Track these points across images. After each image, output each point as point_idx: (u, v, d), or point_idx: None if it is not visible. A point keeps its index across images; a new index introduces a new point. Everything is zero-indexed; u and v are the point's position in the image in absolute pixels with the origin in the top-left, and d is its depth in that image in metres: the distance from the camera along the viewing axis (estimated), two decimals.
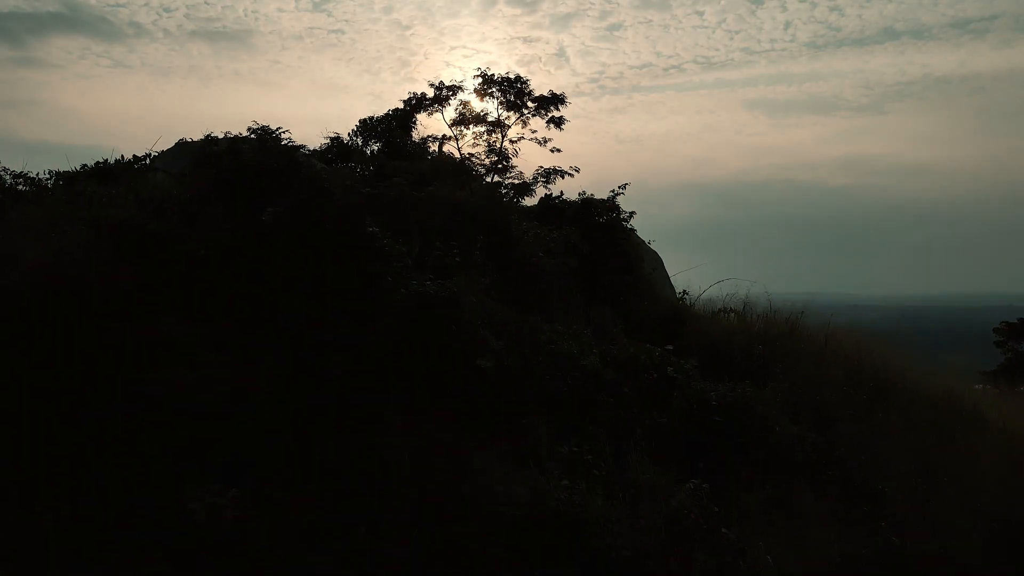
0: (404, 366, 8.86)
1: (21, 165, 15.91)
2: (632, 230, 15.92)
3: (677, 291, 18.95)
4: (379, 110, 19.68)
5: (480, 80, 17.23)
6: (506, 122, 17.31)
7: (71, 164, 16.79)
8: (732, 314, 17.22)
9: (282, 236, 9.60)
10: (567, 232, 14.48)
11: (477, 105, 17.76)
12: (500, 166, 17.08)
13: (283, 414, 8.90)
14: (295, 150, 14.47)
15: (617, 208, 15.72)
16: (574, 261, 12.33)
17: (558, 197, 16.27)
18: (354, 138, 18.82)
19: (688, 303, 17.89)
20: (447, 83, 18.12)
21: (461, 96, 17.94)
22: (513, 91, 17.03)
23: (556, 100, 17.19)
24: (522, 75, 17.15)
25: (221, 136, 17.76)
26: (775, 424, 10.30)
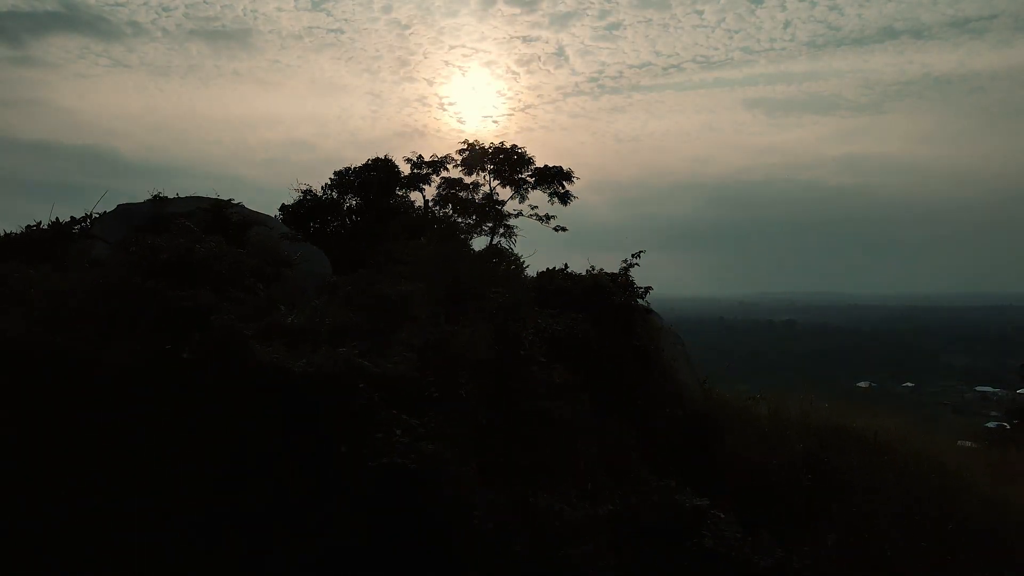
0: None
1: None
2: (648, 311, 13.61)
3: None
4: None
5: (467, 152, 14.70)
6: (498, 193, 14.81)
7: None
8: (763, 403, 15.03)
9: (200, 386, 7.34)
10: (574, 320, 12.22)
11: (466, 173, 15.32)
12: (495, 260, 14.56)
13: None
14: (247, 226, 12.19)
15: (631, 285, 13.41)
16: (586, 401, 10.08)
17: (562, 270, 13.94)
18: (329, 192, 16.51)
19: (709, 387, 15.69)
20: (427, 158, 15.66)
21: (446, 173, 15.43)
22: (508, 163, 14.55)
23: (561, 176, 14.65)
24: (518, 144, 14.60)
25: (172, 197, 15.53)
26: None
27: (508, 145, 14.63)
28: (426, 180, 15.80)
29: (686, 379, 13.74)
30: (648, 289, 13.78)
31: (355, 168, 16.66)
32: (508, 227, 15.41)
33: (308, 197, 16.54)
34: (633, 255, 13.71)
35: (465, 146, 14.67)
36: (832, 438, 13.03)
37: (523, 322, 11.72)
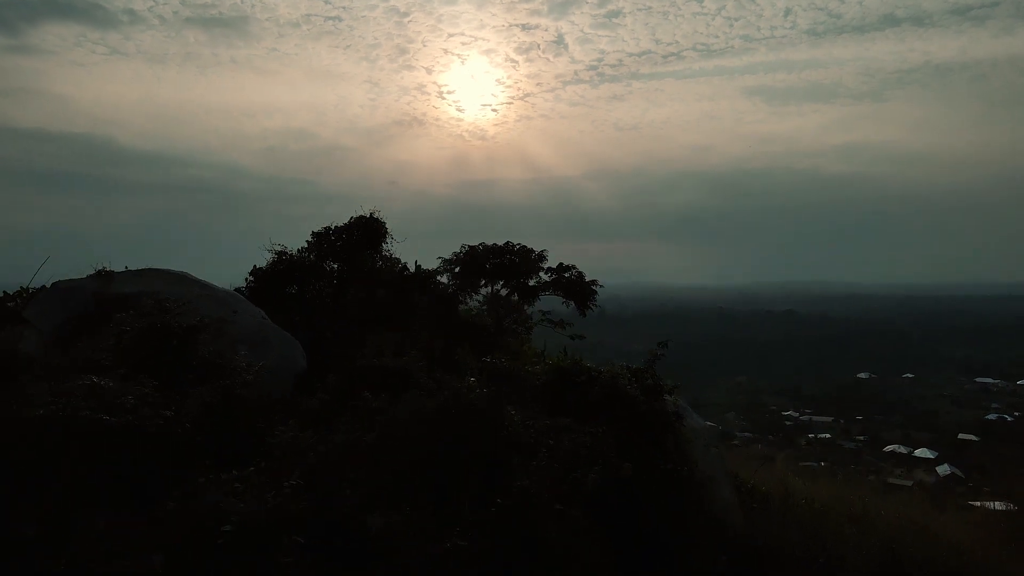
0: None
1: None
2: (678, 415, 11.50)
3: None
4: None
5: (466, 258, 12.25)
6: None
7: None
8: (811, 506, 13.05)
9: None
10: (591, 437, 10.15)
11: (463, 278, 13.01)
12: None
13: None
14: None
15: (659, 385, 11.31)
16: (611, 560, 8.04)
17: (575, 363, 11.78)
18: (307, 254, 14.36)
19: (750, 485, 13.71)
20: (413, 268, 13.31)
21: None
22: (513, 267, 12.08)
23: (581, 286, 12.16)
24: (528, 245, 12.23)
25: (121, 271, 13.37)
26: None
27: (516, 246, 12.20)
28: (412, 301, 13.42)
29: (725, 495, 11.73)
30: (675, 388, 11.72)
31: (336, 227, 14.50)
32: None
33: (284, 258, 14.41)
34: (660, 344, 11.62)
35: (462, 251, 12.38)
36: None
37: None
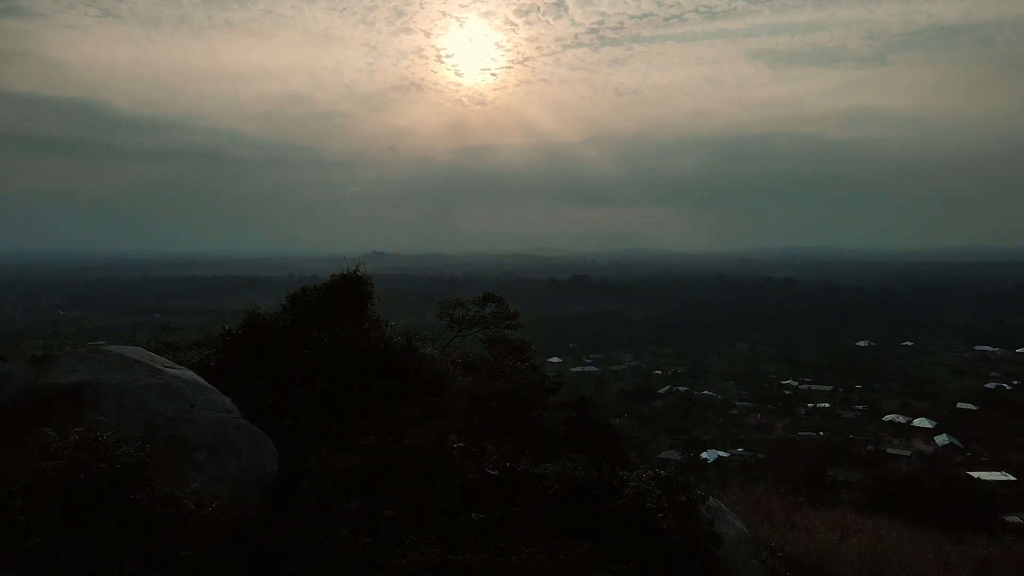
0: None
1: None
2: (715, 537, 9.69)
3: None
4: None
5: (470, 415, 9.81)
6: None
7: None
8: None
9: None
10: None
11: None
12: None
13: None
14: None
15: (693, 501, 9.45)
16: None
17: (591, 472, 9.75)
18: (284, 319, 12.41)
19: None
20: None
21: None
22: (528, 409, 9.69)
23: (614, 444, 9.74)
24: (542, 377, 9.64)
25: (64, 352, 11.42)
26: None
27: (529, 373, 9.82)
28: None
29: None
30: (707, 496, 9.92)
31: (315, 287, 12.55)
32: None
33: (256, 320, 12.47)
34: (692, 454, 9.82)
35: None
36: None
37: None
